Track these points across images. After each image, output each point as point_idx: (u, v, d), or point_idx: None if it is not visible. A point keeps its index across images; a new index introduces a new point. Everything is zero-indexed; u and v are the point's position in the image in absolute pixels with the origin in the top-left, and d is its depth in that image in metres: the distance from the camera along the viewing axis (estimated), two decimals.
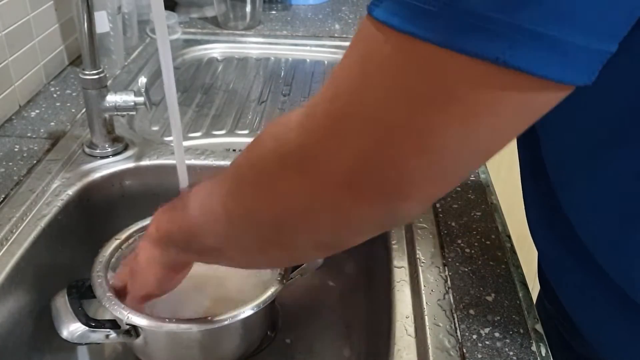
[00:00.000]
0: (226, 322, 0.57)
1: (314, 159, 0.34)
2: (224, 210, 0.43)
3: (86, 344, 0.61)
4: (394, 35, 0.28)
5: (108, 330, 0.58)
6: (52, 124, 0.87)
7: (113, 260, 0.65)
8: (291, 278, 0.64)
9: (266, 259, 0.46)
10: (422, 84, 0.29)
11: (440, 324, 0.56)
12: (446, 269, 0.62)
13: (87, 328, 0.58)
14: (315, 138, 0.34)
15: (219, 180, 0.45)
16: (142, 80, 0.76)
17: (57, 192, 0.74)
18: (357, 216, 0.35)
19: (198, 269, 0.69)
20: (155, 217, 0.55)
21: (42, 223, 0.69)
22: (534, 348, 0.54)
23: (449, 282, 0.61)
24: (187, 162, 0.80)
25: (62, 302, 0.59)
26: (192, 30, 1.27)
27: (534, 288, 0.67)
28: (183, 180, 0.63)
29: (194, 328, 0.57)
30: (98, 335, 0.58)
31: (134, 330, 0.58)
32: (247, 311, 0.58)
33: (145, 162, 0.80)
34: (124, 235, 0.68)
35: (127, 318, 0.57)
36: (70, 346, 0.69)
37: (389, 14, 0.29)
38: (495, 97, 0.28)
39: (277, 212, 0.38)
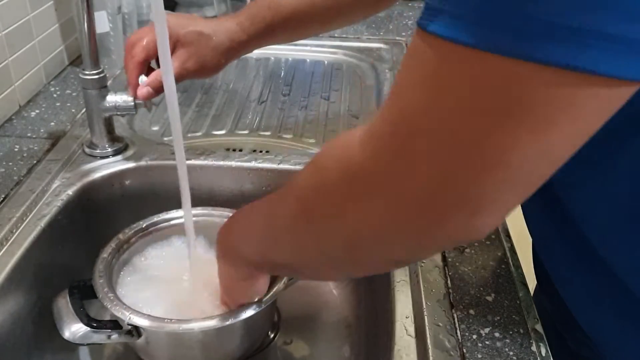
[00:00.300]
0: (227, 322, 0.57)
1: (385, 181, 0.34)
2: (293, 235, 0.44)
3: (88, 344, 0.61)
4: (457, 50, 0.28)
5: (110, 330, 0.58)
6: (52, 124, 0.87)
7: (114, 260, 0.65)
8: (292, 278, 0.64)
9: (339, 275, 0.47)
10: (494, 97, 0.28)
11: (440, 324, 0.56)
12: (446, 269, 0.62)
13: (88, 328, 0.58)
14: (384, 160, 0.33)
15: (281, 204, 0.45)
16: (142, 78, 0.76)
17: (57, 192, 0.74)
18: (432, 234, 0.35)
19: (199, 269, 0.69)
20: (221, 237, 0.56)
21: (42, 223, 0.69)
22: (534, 348, 0.54)
23: (449, 282, 0.61)
24: (187, 162, 0.80)
25: (63, 303, 0.59)
26: None
27: (534, 288, 0.68)
28: (183, 180, 0.63)
29: (196, 328, 0.57)
30: (100, 336, 0.58)
31: (135, 331, 0.58)
32: (248, 311, 0.58)
33: (145, 162, 0.80)
34: (125, 235, 0.68)
35: (129, 318, 0.57)
36: (71, 346, 0.69)
37: (448, 28, 0.28)
38: (570, 102, 0.28)
39: (348, 236, 0.38)
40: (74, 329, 0.58)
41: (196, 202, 0.75)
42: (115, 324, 0.59)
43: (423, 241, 0.36)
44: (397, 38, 1.24)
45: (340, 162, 0.37)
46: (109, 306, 0.58)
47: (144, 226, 0.70)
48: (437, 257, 0.64)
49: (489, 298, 0.59)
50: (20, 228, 0.67)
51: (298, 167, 0.78)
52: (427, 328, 0.56)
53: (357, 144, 0.35)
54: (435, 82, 0.30)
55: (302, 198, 0.42)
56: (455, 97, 0.29)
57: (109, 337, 0.58)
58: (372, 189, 0.34)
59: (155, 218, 0.71)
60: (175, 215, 0.72)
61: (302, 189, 0.42)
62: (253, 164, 0.80)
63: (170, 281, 0.67)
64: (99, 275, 0.62)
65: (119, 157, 0.80)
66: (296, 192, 0.43)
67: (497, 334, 0.55)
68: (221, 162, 0.80)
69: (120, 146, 0.81)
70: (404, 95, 0.32)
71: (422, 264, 0.63)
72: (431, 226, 0.34)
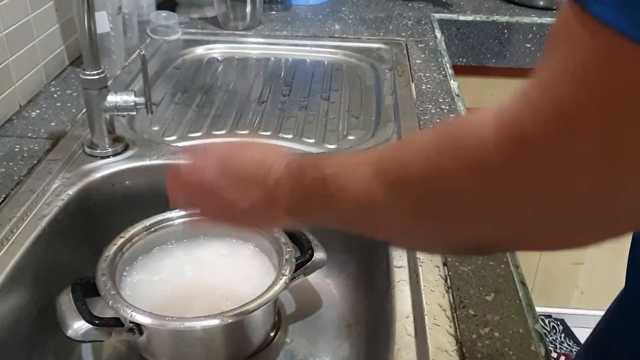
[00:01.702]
0: (229, 321, 0.57)
1: (539, 190, 0.30)
2: (405, 229, 0.39)
3: (90, 341, 0.62)
4: (621, 41, 0.24)
5: (112, 328, 0.59)
6: (53, 124, 0.87)
7: (117, 259, 0.65)
8: (294, 277, 0.64)
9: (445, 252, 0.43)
10: None
11: (440, 324, 0.56)
12: (446, 269, 0.63)
13: (91, 326, 0.58)
14: (538, 169, 0.29)
15: (388, 197, 0.38)
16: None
17: (57, 192, 0.74)
18: (587, 238, 0.32)
19: (201, 270, 0.69)
20: (287, 190, 0.45)
21: (43, 223, 0.69)
22: (534, 348, 0.54)
23: (449, 282, 0.61)
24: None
25: (66, 300, 0.60)
26: (192, 30, 1.27)
27: (534, 289, 0.68)
28: None
29: (198, 326, 0.58)
30: (101, 333, 0.59)
31: (137, 328, 0.59)
32: (250, 310, 0.58)
33: (145, 162, 0.80)
34: (128, 234, 0.68)
35: (131, 316, 0.57)
36: (73, 344, 0.69)
37: (613, 10, 0.24)
38: None
39: (480, 238, 0.36)
40: (77, 326, 0.58)
41: None
42: (117, 322, 0.59)
43: (572, 244, 0.33)
44: (397, 38, 1.24)
45: (471, 165, 0.32)
46: (111, 303, 0.58)
47: (147, 225, 0.70)
48: (437, 257, 0.64)
49: (489, 298, 0.59)
50: (21, 228, 0.67)
51: None
52: (427, 328, 0.56)
53: (492, 143, 0.30)
54: (596, 78, 0.25)
55: (421, 199, 0.36)
56: (622, 97, 0.25)
57: (110, 334, 0.59)
58: (517, 198, 0.31)
59: (159, 217, 0.72)
60: (176, 215, 0.72)
61: (421, 190, 0.36)
62: None
63: (172, 280, 0.67)
64: (102, 273, 0.62)
65: (119, 157, 0.80)
66: (410, 190, 0.37)
67: (497, 334, 0.55)
68: None
69: (120, 146, 0.81)
70: (555, 86, 0.27)
71: (422, 264, 0.63)
72: (584, 239, 0.31)
